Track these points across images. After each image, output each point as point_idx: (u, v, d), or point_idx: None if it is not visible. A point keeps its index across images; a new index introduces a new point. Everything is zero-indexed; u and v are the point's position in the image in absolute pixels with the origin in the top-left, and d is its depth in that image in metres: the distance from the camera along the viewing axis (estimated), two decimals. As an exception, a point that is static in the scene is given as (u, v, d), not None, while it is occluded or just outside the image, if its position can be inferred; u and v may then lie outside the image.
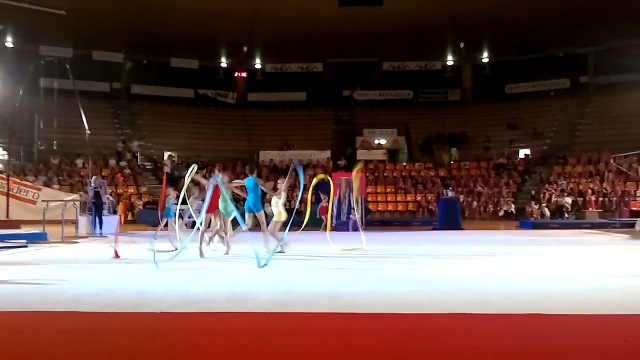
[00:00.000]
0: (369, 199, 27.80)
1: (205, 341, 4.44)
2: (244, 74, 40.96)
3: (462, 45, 38.02)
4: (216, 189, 10.32)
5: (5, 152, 27.39)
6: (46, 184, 25.46)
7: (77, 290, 6.71)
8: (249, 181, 10.59)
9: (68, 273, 8.33)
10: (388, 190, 30.99)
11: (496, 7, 31.64)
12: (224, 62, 40.46)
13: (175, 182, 29.53)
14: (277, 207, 10.63)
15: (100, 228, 16.84)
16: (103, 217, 17.22)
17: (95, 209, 16.93)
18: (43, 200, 17.17)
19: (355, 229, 20.29)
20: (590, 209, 25.69)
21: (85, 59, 35.30)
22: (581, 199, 26.91)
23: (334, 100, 39.68)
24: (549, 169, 31.35)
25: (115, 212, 21.42)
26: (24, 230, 15.58)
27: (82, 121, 20.86)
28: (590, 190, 27.31)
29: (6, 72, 29.46)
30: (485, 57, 39.65)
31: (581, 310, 5.48)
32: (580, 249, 12.53)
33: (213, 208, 10.44)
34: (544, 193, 28.14)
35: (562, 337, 4.56)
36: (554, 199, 27.07)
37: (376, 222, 24.67)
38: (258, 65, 40.73)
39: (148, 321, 5.16)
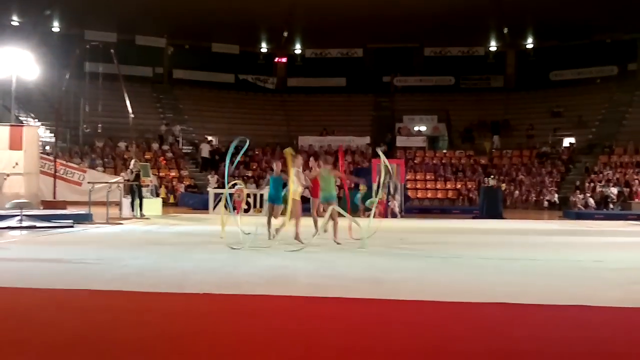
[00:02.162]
0: (408, 186, 27.61)
1: (245, 323, 4.49)
2: (284, 59, 40.99)
3: (505, 30, 37.23)
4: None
5: (52, 135, 28.09)
6: (91, 166, 26.04)
7: (122, 270, 6.86)
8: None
9: (113, 253, 8.52)
10: (428, 177, 30.73)
11: (541, -8, 30.87)
12: (264, 48, 40.57)
13: (215, 166, 29.88)
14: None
15: (141, 209, 17.14)
16: (144, 200, 17.55)
17: (137, 191, 17.24)
18: (89, 182, 17.56)
19: (394, 215, 20.28)
20: (636, 199, 25.02)
21: (128, 44, 35.82)
22: (627, 189, 26.20)
23: (374, 86, 39.37)
24: (594, 158, 30.59)
25: (158, 195, 21.78)
26: (70, 210, 15.98)
27: (126, 105, 21.24)
28: (636, 181, 26.57)
29: (53, 57, 30.17)
30: (529, 43, 38.78)
31: (625, 303, 5.34)
32: (625, 241, 12.21)
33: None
34: (589, 183, 27.49)
35: (606, 328, 4.46)
36: (598, 189, 26.43)
37: (415, 209, 24.53)
38: (298, 51, 40.69)
39: (191, 302, 5.24)
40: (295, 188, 9.90)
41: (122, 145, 30.15)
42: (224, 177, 10.84)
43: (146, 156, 29.30)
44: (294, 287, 5.95)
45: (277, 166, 10.97)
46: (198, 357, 3.61)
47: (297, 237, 9.87)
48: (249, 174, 29.17)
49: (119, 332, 4.15)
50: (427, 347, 3.96)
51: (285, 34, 38.45)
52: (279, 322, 4.52)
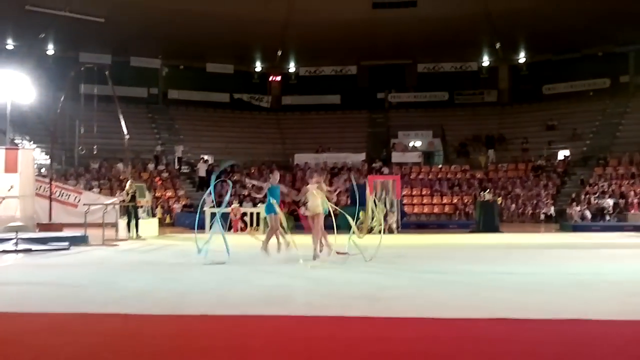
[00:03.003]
0: (405, 201, 27.61)
1: (241, 344, 4.47)
2: (278, 78, 41.15)
3: (498, 45, 37.48)
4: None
5: (47, 157, 28.05)
6: (86, 188, 25.97)
7: (118, 292, 6.83)
8: None
9: (109, 275, 8.48)
10: (424, 192, 30.75)
11: (533, 6, 31.09)
12: (258, 67, 40.72)
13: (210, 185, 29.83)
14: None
15: (137, 230, 17.06)
16: (140, 220, 17.47)
17: (133, 212, 17.18)
18: (84, 204, 17.52)
19: (390, 231, 20.23)
20: (632, 210, 25.07)
21: (123, 65, 35.92)
22: (623, 200, 26.26)
23: (368, 102, 39.50)
24: (589, 171, 30.66)
25: (154, 215, 21.70)
26: (66, 233, 15.92)
27: (121, 126, 21.25)
28: (632, 192, 26.63)
29: (48, 79, 30.21)
30: (522, 58, 39.02)
31: (623, 316, 5.34)
32: (621, 253, 12.22)
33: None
34: (585, 195, 27.55)
35: (603, 342, 4.46)
36: (594, 201, 26.48)
37: (412, 224, 24.51)
38: (292, 69, 40.87)
39: (187, 323, 5.22)
40: (317, 203, 10.19)
41: (120, 166, 30.09)
42: (220, 197, 10.87)
43: (142, 176, 29.25)
44: (291, 307, 5.93)
45: (275, 176, 11.18)
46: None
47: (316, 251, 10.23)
48: (245, 192, 29.12)
49: (115, 356, 4.13)
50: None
51: (279, 52, 38.66)
52: (276, 343, 4.50)
